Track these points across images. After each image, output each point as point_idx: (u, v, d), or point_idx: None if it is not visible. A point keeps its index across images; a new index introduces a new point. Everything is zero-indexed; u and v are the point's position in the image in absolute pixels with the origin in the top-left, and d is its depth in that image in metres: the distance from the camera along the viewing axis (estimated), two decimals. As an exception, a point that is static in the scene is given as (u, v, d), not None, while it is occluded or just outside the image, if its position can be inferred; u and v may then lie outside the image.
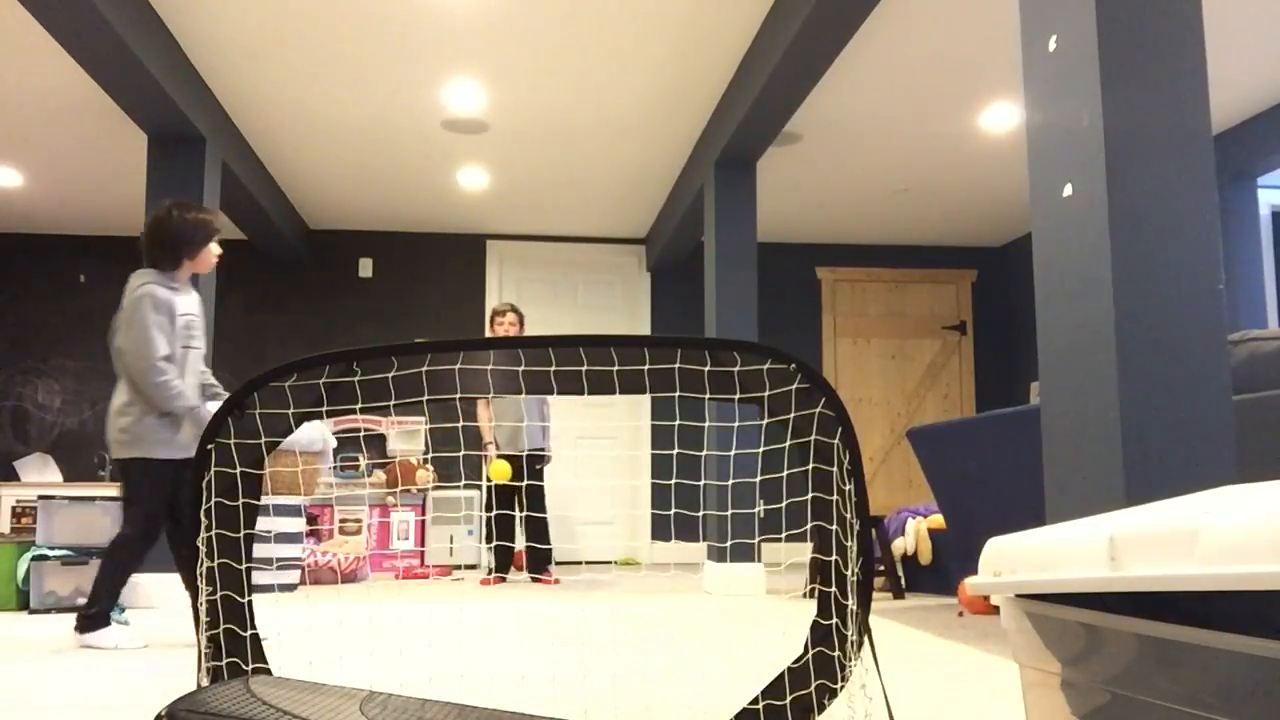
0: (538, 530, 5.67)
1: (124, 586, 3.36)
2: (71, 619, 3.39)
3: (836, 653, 1.67)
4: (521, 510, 5.65)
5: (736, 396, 1.66)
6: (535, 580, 5.67)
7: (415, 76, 4.89)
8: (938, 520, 4.96)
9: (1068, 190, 2.14)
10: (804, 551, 7.54)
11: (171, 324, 3.31)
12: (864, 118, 5.42)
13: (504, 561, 5.71)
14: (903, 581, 5.04)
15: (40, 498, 4.53)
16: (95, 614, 3.31)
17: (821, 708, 1.68)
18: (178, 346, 3.33)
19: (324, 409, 1.65)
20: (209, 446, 1.66)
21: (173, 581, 4.53)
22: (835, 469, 1.64)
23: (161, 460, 3.30)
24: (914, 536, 5.02)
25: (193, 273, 3.45)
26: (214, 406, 3.48)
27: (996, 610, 3.91)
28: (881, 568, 5.00)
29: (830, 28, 3.83)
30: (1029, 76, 2.31)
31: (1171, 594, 1.07)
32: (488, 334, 5.78)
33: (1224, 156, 5.53)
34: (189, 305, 3.41)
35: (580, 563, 7.22)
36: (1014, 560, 1.25)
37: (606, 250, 7.79)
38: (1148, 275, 2.01)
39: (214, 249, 3.47)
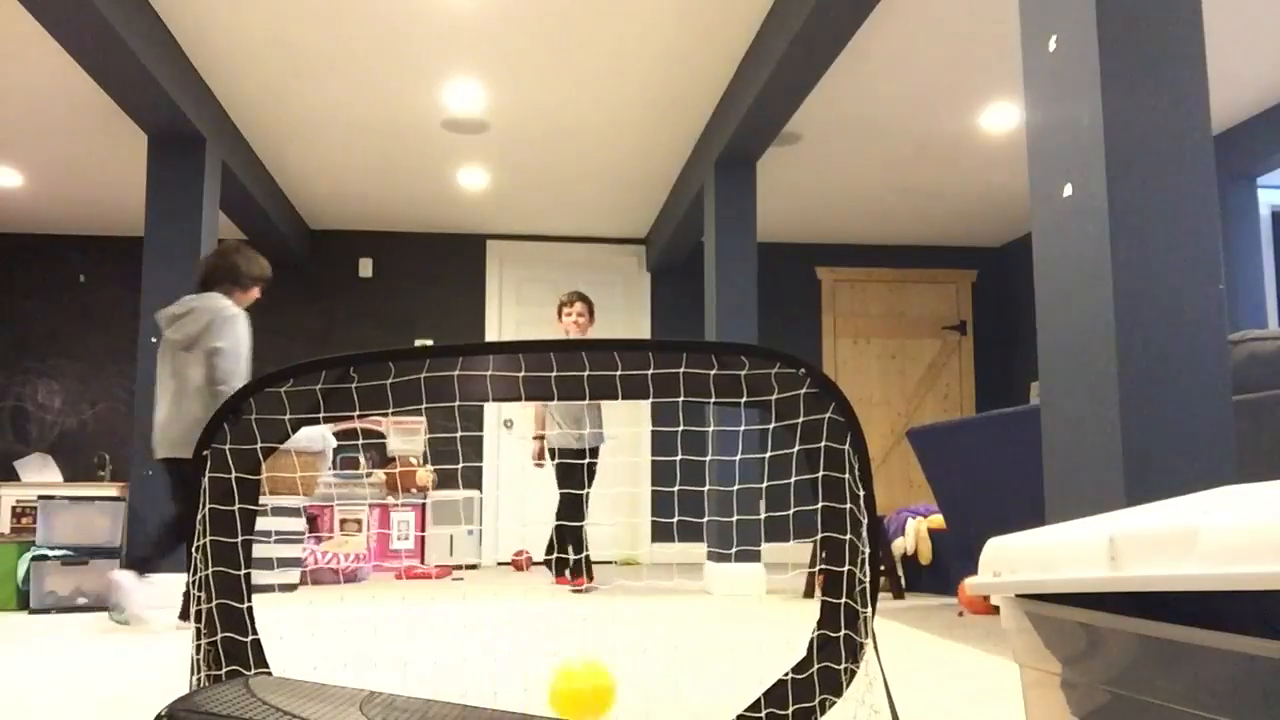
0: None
1: (164, 555, 3.69)
2: (71, 619, 3.41)
3: (843, 642, 1.67)
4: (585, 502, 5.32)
5: (743, 400, 1.64)
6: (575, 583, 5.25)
7: (415, 76, 4.89)
8: (938, 520, 4.96)
9: (1068, 190, 2.14)
10: (804, 551, 7.54)
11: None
12: (864, 118, 5.42)
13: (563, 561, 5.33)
14: (903, 581, 5.04)
15: (40, 498, 4.54)
16: (144, 559, 3.65)
17: (824, 709, 1.68)
18: None
19: (320, 415, 1.63)
20: (204, 453, 1.65)
21: (173, 582, 4.52)
22: (847, 474, 1.63)
23: None
24: (914, 536, 5.02)
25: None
26: None
27: (996, 610, 3.91)
28: (882, 567, 5.00)
29: (830, 28, 3.83)
30: (1029, 76, 2.31)
31: (1171, 594, 1.07)
32: (556, 324, 5.60)
33: (1224, 156, 5.53)
34: None
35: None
36: (1014, 560, 1.25)
37: (606, 250, 7.79)
38: (1148, 275, 2.01)
39: (256, 293, 4.06)
